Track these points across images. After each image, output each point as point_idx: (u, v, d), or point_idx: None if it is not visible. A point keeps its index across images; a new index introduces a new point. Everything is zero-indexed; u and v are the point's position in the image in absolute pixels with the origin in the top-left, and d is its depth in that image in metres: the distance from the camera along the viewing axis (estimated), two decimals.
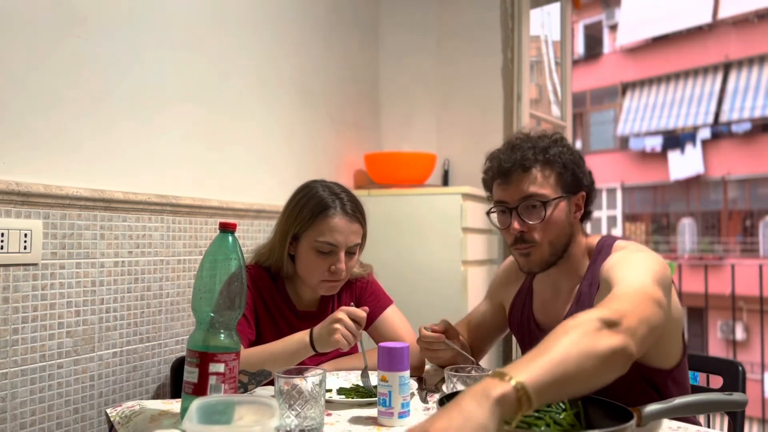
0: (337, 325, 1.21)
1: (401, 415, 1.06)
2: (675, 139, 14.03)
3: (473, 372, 1.16)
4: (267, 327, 1.43)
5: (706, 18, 13.40)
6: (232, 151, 1.95)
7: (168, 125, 1.71)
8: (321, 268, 1.39)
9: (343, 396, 1.22)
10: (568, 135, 3.34)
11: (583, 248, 1.28)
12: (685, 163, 13.90)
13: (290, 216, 1.42)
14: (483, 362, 1.58)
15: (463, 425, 0.65)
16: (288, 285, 1.49)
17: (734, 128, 13.28)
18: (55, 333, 1.40)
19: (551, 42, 3.58)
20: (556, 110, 3.48)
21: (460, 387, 1.11)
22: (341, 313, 1.22)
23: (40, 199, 1.36)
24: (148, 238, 1.63)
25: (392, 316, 1.53)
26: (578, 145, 15.81)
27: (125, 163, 1.59)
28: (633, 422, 0.84)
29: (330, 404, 1.17)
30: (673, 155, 14.11)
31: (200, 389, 0.98)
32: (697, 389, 1.40)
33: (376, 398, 1.09)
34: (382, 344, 1.10)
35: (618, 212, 15.17)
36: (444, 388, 1.22)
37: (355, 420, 1.08)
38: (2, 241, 1.28)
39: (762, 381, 5.95)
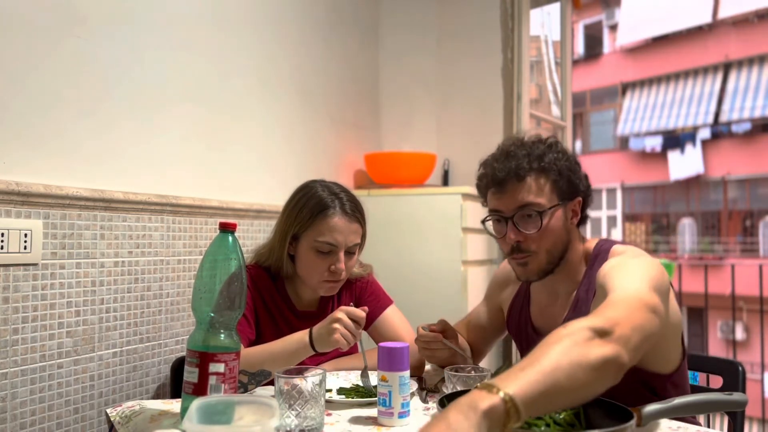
0: (337, 325, 1.21)
1: (401, 415, 1.06)
2: (675, 139, 14.03)
3: (473, 372, 1.16)
4: (267, 327, 1.43)
5: (706, 18, 13.41)
6: (232, 151, 1.95)
7: (168, 125, 1.71)
8: (321, 268, 1.39)
9: (343, 396, 1.22)
10: (568, 135, 3.35)
11: (580, 253, 1.27)
12: (685, 163, 13.91)
13: (290, 216, 1.42)
14: (483, 363, 1.58)
15: None
16: (288, 285, 1.49)
17: (734, 128, 13.28)
18: (55, 333, 1.40)
19: (551, 42, 3.58)
20: (556, 110, 3.48)
21: (460, 387, 1.11)
22: (340, 313, 1.23)
23: (40, 199, 1.36)
24: (148, 238, 1.63)
25: (392, 316, 1.53)
26: (578, 145, 15.81)
27: (125, 163, 1.59)
28: (633, 422, 0.84)
29: (330, 404, 1.17)
30: (673, 155, 14.11)
31: (200, 389, 0.98)
32: (697, 389, 1.40)
33: (376, 398, 1.09)
34: (382, 344, 1.10)
35: (618, 212, 15.17)
36: (444, 388, 1.22)
37: (355, 420, 1.08)
38: (2, 241, 1.28)
39: (762, 381, 5.95)
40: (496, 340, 1.55)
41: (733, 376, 1.37)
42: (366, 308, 1.27)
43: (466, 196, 2.31)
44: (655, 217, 15.01)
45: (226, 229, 1.05)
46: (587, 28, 15.79)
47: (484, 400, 0.68)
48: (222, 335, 1.02)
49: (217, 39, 1.89)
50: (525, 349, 1.35)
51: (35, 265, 1.36)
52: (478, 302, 1.58)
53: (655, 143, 14.38)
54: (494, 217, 1.26)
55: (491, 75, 2.72)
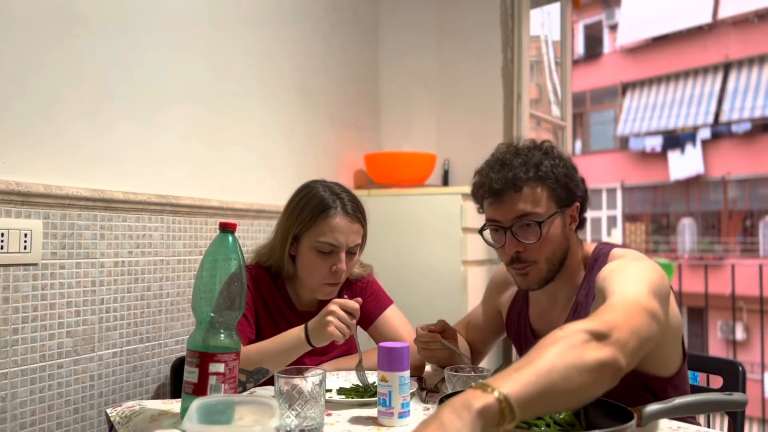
0: (331, 318, 1.21)
1: (401, 415, 1.06)
2: (675, 139, 14.03)
3: (472, 372, 1.16)
4: (267, 327, 1.43)
5: (706, 18, 13.41)
6: (232, 151, 1.95)
7: (168, 125, 1.71)
8: (322, 268, 1.39)
9: (343, 396, 1.22)
10: (568, 135, 3.35)
11: (579, 257, 1.26)
12: (685, 163, 13.91)
13: (291, 216, 1.42)
14: (483, 363, 1.58)
15: None
16: (288, 285, 1.49)
17: (734, 128, 13.28)
18: (55, 333, 1.40)
19: (551, 42, 3.58)
20: (556, 110, 3.48)
21: (460, 387, 1.11)
22: (334, 306, 1.23)
23: (40, 199, 1.36)
24: (148, 238, 1.63)
25: (392, 316, 1.53)
26: (578, 145, 15.82)
27: (125, 163, 1.59)
28: (633, 422, 0.84)
29: (330, 404, 1.17)
30: (673, 155, 14.12)
31: (200, 389, 0.98)
32: (697, 389, 1.40)
33: (376, 398, 1.09)
34: (382, 344, 1.10)
35: (618, 212, 15.17)
36: (444, 388, 1.22)
37: (355, 420, 1.08)
38: (2, 241, 1.28)
39: (762, 381, 5.95)
40: (496, 341, 1.55)
41: (733, 376, 1.37)
42: (359, 299, 1.27)
43: (466, 196, 2.31)
44: (655, 217, 15.01)
45: (226, 229, 1.05)
46: (587, 28, 15.79)
47: (478, 399, 0.67)
48: (222, 335, 1.02)
49: (217, 39, 1.89)
50: (524, 353, 1.35)
51: (35, 265, 1.36)
52: (478, 302, 1.57)
53: (655, 143, 14.38)
54: (492, 227, 1.25)
55: (491, 75, 2.72)
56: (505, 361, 2.57)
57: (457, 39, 2.80)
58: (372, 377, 1.30)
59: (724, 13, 13.15)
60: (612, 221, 15.30)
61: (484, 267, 2.46)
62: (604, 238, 14.91)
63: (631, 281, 1.01)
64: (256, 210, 2.00)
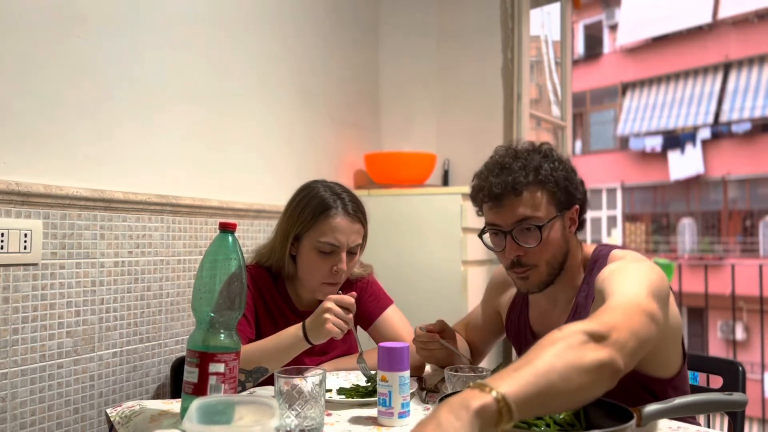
0: (328, 315, 1.21)
1: (401, 415, 1.06)
2: (675, 139, 14.03)
3: (472, 372, 1.16)
4: (267, 327, 1.43)
5: (706, 18, 13.41)
6: (232, 151, 1.95)
7: (168, 125, 1.71)
8: (322, 268, 1.39)
9: (343, 396, 1.22)
10: (568, 135, 3.35)
11: (579, 259, 1.26)
12: (685, 163, 13.91)
13: (291, 216, 1.42)
14: (483, 363, 1.58)
15: None
16: (288, 285, 1.49)
17: (734, 128, 13.28)
18: (55, 333, 1.40)
19: (551, 42, 3.58)
20: (556, 110, 3.48)
21: (459, 387, 1.11)
22: (329, 303, 1.23)
23: (40, 199, 1.36)
24: (148, 238, 1.63)
25: (392, 316, 1.53)
26: (578, 145, 15.82)
27: (125, 163, 1.59)
28: (633, 422, 0.84)
29: (330, 404, 1.17)
30: (673, 155, 14.11)
31: (200, 389, 0.98)
32: (697, 389, 1.40)
33: (376, 398, 1.09)
34: (382, 344, 1.10)
35: (618, 212, 15.17)
36: (444, 388, 1.22)
37: (355, 420, 1.08)
38: (2, 241, 1.28)
39: (762, 381, 5.95)
40: (496, 342, 1.55)
41: (733, 376, 1.37)
42: (354, 293, 1.27)
43: (466, 196, 2.31)
44: (655, 217, 15.01)
45: (226, 229, 1.05)
46: (587, 28, 15.79)
47: (476, 399, 0.67)
48: (222, 335, 1.02)
49: (217, 39, 1.89)
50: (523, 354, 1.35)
51: (35, 265, 1.36)
52: (478, 302, 1.57)
53: (655, 143, 14.38)
54: (492, 231, 1.24)
55: (491, 75, 2.71)
56: (505, 361, 2.57)
57: (457, 39, 2.80)
58: (373, 372, 1.30)
59: (724, 13, 13.15)
60: (612, 221, 15.30)
61: (484, 267, 2.46)
62: (604, 238, 14.91)
63: (631, 282, 1.01)
64: (256, 210, 2.00)
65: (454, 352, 1.33)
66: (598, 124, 15.77)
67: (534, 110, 2.93)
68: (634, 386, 1.12)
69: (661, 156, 14.40)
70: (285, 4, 2.21)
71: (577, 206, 1.25)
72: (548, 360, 0.75)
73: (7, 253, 1.30)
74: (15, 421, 1.31)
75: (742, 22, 13.01)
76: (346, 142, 2.58)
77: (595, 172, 14.49)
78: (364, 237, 1.46)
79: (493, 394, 0.68)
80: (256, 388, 1.29)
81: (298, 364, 1.23)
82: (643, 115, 14.51)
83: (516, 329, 1.39)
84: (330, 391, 1.24)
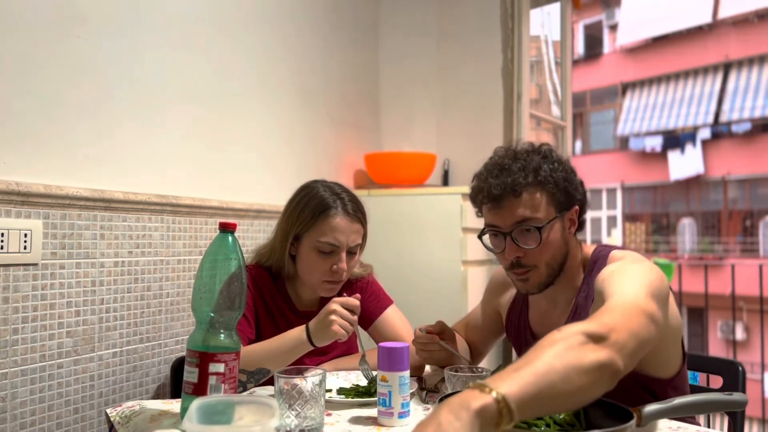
0: (333, 317, 1.21)
1: (401, 415, 1.06)
2: (675, 139, 14.03)
3: (472, 373, 1.15)
4: (267, 327, 1.44)
5: (706, 18, 13.41)
6: (232, 151, 1.95)
7: (168, 125, 1.71)
8: (322, 268, 1.39)
9: (343, 396, 1.22)
10: (568, 135, 3.35)
11: (578, 260, 1.26)
12: (685, 163, 13.91)
13: (291, 216, 1.43)
14: (483, 363, 1.58)
15: None
16: (288, 285, 1.49)
17: (734, 128, 13.28)
18: (55, 333, 1.40)
19: (551, 42, 3.58)
20: (556, 110, 3.48)
21: (459, 388, 1.11)
22: (335, 305, 1.23)
23: (40, 199, 1.36)
24: (148, 238, 1.63)
25: (392, 316, 1.53)
26: (578, 145, 15.82)
27: (125, 163, 1.59)
28: (633, 422, 0.84)
29: (330, 404, 1.17)
30: (673, 155, 14.11)
31: (200, 389, 0.98)
32: (697, 389, 1.40)
33: (376, 398, 1.09)
34: (382, 344, 1.10)
35: (618, 212, 15.17)
36: (444, 388, 1.22)
37: (355, 420, 1.08)
38: (2, 241, 1.28)
39: (762, 381, 5.95)
40: (496, 341, 1.55)
41: (733, 376, 1.37)
42: (358, 295, 1.27)
43: (466, 196, 2.30)
44: (655, 217, 15.01)
45: (226, 229, 1.05)
46: (587, 28, 15.79)
47: (476, 399, 0.67)
48: (222, 335, 1.02)
49: (217, 39, 1.89)
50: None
51: (35, 265, 1.36)
52: (478, 302, 1.57)
53: (655, 143, 14.38)
54: (491, 232, 1.24)
55: (491, 75, 2.71)
56: (505, 362, 2.57)
57: (456, 39, 2.80)
58: (374, 373, 1.30)
59: (724, 13, 13.15)
60: (612, 221, 15.30)
61: (484, 267, 2.46)
62: (604, 239, 14.92)
63: (630, 283, 1.01)
64: (256, 210, 2.00)
65: (454, 353, 1.33)
66: (598, 124, 15.77)
67: (534, 110, 2.93)
68: (634, 386, 1.12)
69: (661, 156, 14.40)
70: (285, 4, 2.21)
71: (577, 207, 1.24)
72: (548, 361, 0.75)
73: (7, 253, 1.30)
74: (15, 421, 1.31)
75: (742, 22, 13.01)
76: (346, 142, 2.58)
77: (595, 172, 14.49)
78: (364, 237, 1.46)
79: (493, 394, 0.68)
80: (256, 388, 1.29)
81: (298, 364, 1.23)
82: (643, 115, 14.51)
83: (516, 330, 1.39)
84: (330, 391, 1.24)
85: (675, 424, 1.05)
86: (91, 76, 1.50)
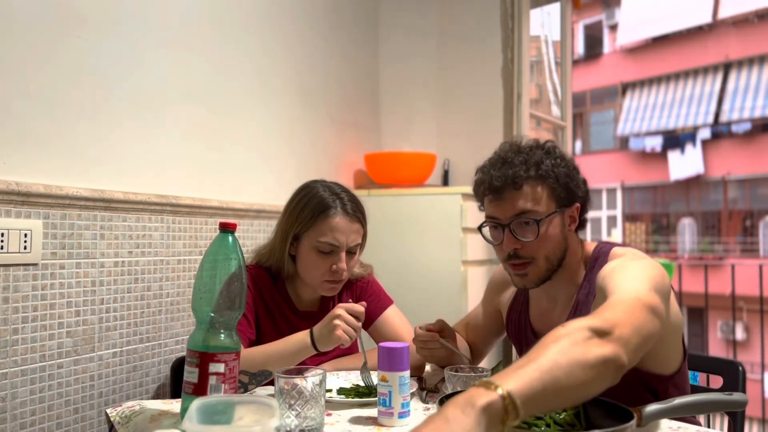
0: (338, 321, 1.21)
1: (401, 415, 1.06)
2: (675, 139, 14.03)
3: (472, 372, 1.16)
4: (267, 327, 1.44)
5: (706, 18, 13.41)
6: (232, 151, 1.95)
7: (168, 125, 1.71)
8: (322, 268, 1.39)
9: (343, 396, 1.22)
10: (568, 135, 3.35)
11: (579, 257, 1.26)
12: (685, 163, 13.91)
13: (291, 216, 1.43)
14: (483, 363, 1.58)
15: None
16: (288, 285, 1.49)
17: (734, 128, 13.28)
18: (55, 333, 1.40)
19: (551, 42, 3.58)
20: (556, 110, 3.48)
21: (460, 387, 1.11)
22: (340, 310, 1.23)
23: (40, 199, 1.36)
24: (148, 238, 1.63)
25: (392, 316, 1.53)
26: (578, 145, 15.82)
27: (125, 163, 1.59)
28: (633, 422, 0.84)
29: (330, 404, 1.17)
30: (673, 155, 14.12)
31: (200, 389, 0.98)
32: (697, 389, 1.40)
33: (376, 398, 1.09)
34: (382, 344, 1.10)
35: (618, 212, 15.17)
36: (444, 388, 1.22)
37: (355, 420, 1.08)
38: (2, 241, 1.28)
39: (762, 381, 5.95)
40: (496, 341, 1.55)
41: (733, 376, 1.37)
42: (365, 303, 1.27)
43: (466, 196, 2.31)
44: (655, 217, 15.01)
45: (226, 229, 1.05)
46: (587, 28, 15.79)
47: (482, 396, 0.68)
48: (222, 335, 1.02)
49: (217, 39, 1.89)
50: (524, 353, 1.35)
51: (35, 265, 1.36)
52: (478, 302, 1.58)
53: (655, 143, 14.38)
54: (491, 224, 1.25)
55: (491, 75, 2.72)
56: (504, 360, 2.57)
57: (457, 39, 2.80)
58: (375, 380, 1.30)
59: (724, 13, 13.15)
60: (612, 221, 15.30)
61: (484, 267, 2.46)
62: (604, 238, 14.91)
63: (633, 279, 1.02)
64: (256, 210, 2.00)
65: (454, 351, 1.33)
66: (598, 124, 15.77)
67: (534, 110, 2.93)
68: (634, 383, 1.12)
69: (661, 156, 14.40)
70: (285, 4, 2.21)
71: (578, 204, 1.25)
72: (552, 357, 0.75)
73: (7, 253, 1.30)
74: (15, 421, 1.31)
75: (742, 22, 13.01)
76: (346, 142, 2.58)
77: (595, 172, 14.48)
78: (364, 237, 1.46)
79: (499, 391, 0.68)
80: (257, 388, 1.29)
81: (298, 364, 1.23)
82: (643, 115, 14.51)
83: (516, 328, 1.39)
84: (330, 391, 1.24)
85: (675, 424, 1.05)
86: (91, 76, 1.50)
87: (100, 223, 1.50)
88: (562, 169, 1.21)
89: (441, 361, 1.37)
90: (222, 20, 1.91)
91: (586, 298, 1.20)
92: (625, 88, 15.07)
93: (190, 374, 0.99)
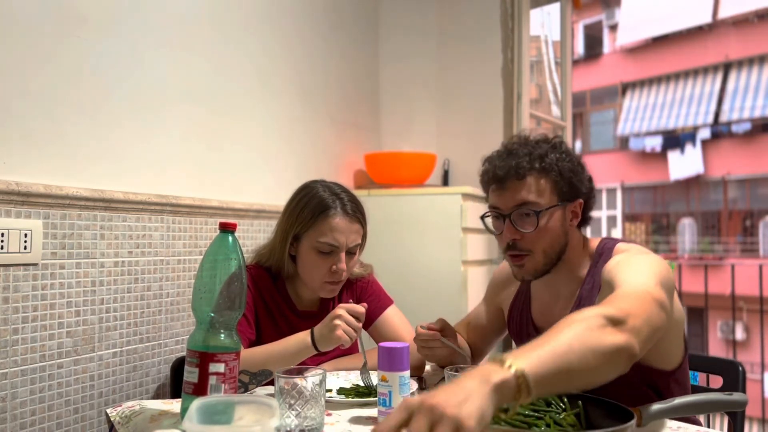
0: (338, 322, 1.21)
1: None
2: (675, 139, 14.03)
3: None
4: (267, 327, 1.44)
5: (706, 18, 13.41)
6: (232, 151, 1.95)
7: (168, 125, 1.71)
8: (322, 268, 1.39)
9: (343, 396, 1.22)
10: (568, 135, 3.35)
11: (582, 252, 1.27)
12: (685, 163, 13.91)
13: (291, 216, 1.43)
14: (483, 363, 1.58)
15: (462, 402, 0.64)
16: (288, 285, 1.49)
17: (734, 128, 13.28)
18: (55, 333, 1.40)
19: (551, 42, 3.58)
20: (556, 110, 3.48)
21: None
22: (341, 310, 1.23)
23: (40, 199, 1.36)
24: (148, 238, 1.63)
25: (392, 316, 1.53)
26: (578, 145, 15.81)
27: (125, 163, 1.59)
28: (633, 422, 0.84)
29: (330, 404, 1.17)
30: (673, 155, 14.11)
31: (200, 389, 0.98)
32: (697, 389, 1.40)
33: (376, 398, 1.09)
34: (382, 344, 1.10)
35: (618, 212, 15.17)
36: None
37: (355, 420, 1.08)
38: (2, 241, 1.28)
39: (762, 381, 5.95)
40: (497, 340, 1.55)
41: (733, 376, 1.37)
42: (365, 304, 1.28)
43: (466, 196, 2.31)
44: (655, 217, 15.01)
45: (226, 229, 1.05)
46: (587, 28, 15.78)
47: (496, 373, 0.69)
48: (222, 335, 1.02)
49: (217, 39, 1.89)
50: None
51: (35, 265, 1.36)
52: (478, 302, 1.58)
53: (655, 143, 14.38)
54: (493, 214, 1.27)
55: (491, 75, 2.72)
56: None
57: (457, 39, 2.80)
58: (373, 376, 1.30)
59: (724, 13, 13.15)
60: (612, 221, 15.30)
61: (484, 267, 2.46)
62: None
63: (639, 272, 1.03)
64: (256, 210, 2.00)
65: (455, 350, 1.33)
66: (598, 124, 15.77)
67: (534, 110, 2.93)
68: (636, 379, 1.12)
69: (661, 156, 14.40)
70: (285, 4, 2.21)
71: (581, 200, 1.26)
72: (567, 341, 0.76)
73: (7, 253, 1.30)
74: (15, 421, 1.31)
75: (742, 22, 13.00)
76: (346, 142, 2.58)
77: (595, 172, 14.21)
78: (364, 237, 1.46)
79: (513, 370, 0.69)
80: (257, 388, 1.29)
81: (298, 364, 1.23)
82: (643, 115, 14.51)
83: (518, 325, 1.39)
84: (330, 391, 1.24)
85: (675, 424, 1.05)
86: (91, 76, 1.50)
87: (100, 223, 1.50)
88: (566, 163, 1.22)
89: (442, 360, 1.37)
90: (222, 20, 1.91)
91: (589, 293, 1.21)
92: (625, 88, 15.07)
93: (190, 374, 0.99)
